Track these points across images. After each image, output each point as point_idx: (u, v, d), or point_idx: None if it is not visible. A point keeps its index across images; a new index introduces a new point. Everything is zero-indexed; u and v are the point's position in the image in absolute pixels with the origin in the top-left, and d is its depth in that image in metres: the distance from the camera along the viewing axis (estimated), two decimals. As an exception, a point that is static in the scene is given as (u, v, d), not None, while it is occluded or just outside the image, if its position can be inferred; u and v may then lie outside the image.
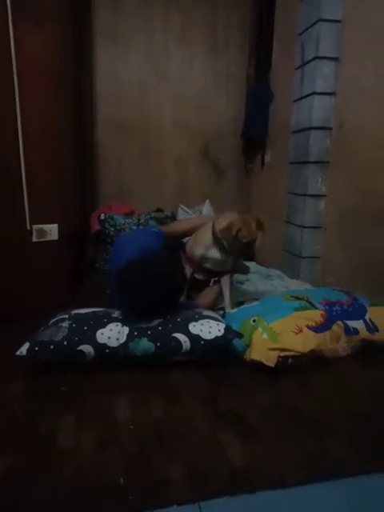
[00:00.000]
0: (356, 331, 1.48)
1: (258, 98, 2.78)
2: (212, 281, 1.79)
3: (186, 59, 2.92)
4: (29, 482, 0.87)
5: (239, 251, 1.66)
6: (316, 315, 1.47)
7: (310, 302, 1.55)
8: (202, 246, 1.69)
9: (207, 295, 1.76)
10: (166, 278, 1.45)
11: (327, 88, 2.09)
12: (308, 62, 2.15)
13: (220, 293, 1.78)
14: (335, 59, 2.07)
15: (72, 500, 0.82)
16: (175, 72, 2.92)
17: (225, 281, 1.77)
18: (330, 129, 2.12)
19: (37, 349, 1.29)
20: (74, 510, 0.81)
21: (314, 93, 2.09)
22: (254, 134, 2.84)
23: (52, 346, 1.29)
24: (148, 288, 1.39)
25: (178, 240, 1.79)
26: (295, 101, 2.30)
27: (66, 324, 1.36)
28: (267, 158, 2.82)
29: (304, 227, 2.23)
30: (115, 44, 2.80)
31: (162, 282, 1.42)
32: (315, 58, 2.07)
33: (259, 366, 1.32)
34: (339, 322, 1.48)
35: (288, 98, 2.38)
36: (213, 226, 1.68)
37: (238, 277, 2.14)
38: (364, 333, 1.50)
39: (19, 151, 1.63)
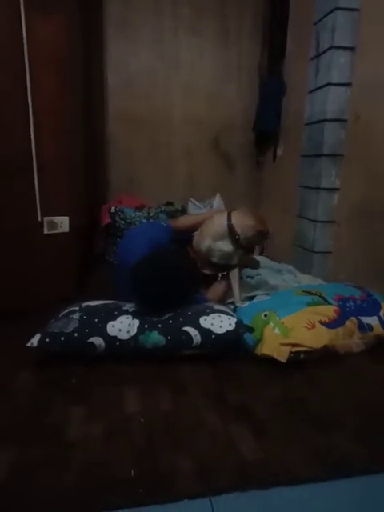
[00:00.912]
0: (370, 327, 1.46)
1: (271, 89, 2.73)
2: (220, 275, 1.77)
3: (196, 50, 2.87)
4: (37, 472, 0.87)
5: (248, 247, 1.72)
6: (329, 311, 1.45)
7: (322, 297, 1.52)
8: (209, 238, 1.67)
9: (216, 289, 1.75)
10: (178, 272, 1.44)
11: (343, 79, 2.04)
12: (323, 52, 2.09)
13: (229, 287, 1.76)
14: (351, 49, 2.01)
15: (81, 491, 0.82)
16: (186, 63, 2.88)
17: (233, 275, 1.75)
18: (345, 121, 2.07)
19: (48, 340, 1.29)
20: (83, 501, 0.80)
21: (329, 84, 2.04)
22: (266, 126, 2.79)
23: (63, 338, 1.29)
24: (159, 283, 1.38)
25: (186, 234, 1.78)
26: (309, 92, 2.25)
27: (76, 316, 1.36)
28: (279, 152, 2.78)
29: (317, 221, 2.19)
30: (125, 35, 2.76)
31: (173, 277, 1.41)
32: (331, 47, 2.02)
33: (270, 361, 1.30)
34: (353, 318, 1.45)
35: (302, 89, 2.33)
36: (229, 216, 1.67)
37: (249, 271, 2.11)
38: (378, 329, 1.47)
39: (30, 143, 1.63)
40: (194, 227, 1.79)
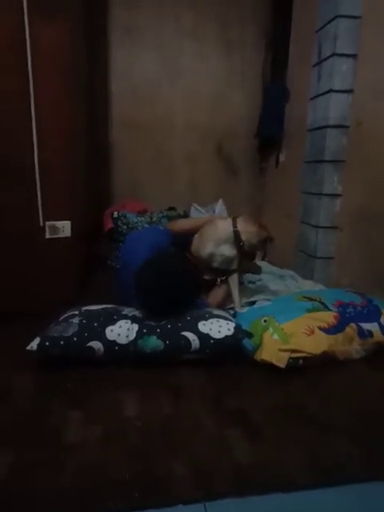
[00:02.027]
0: (370, 334, 1.45)
1: (274, 95, 2.75)
2: (219, 280, 1.77)
3: (199, 56, 2.90)
4: (34, 475, 0.87)
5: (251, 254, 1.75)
6: (328, 317, 1.44)
7: (322, 303, 1.52)
8: (212, 244, 1.68)
9: (216, 294, 1.75)
10: (182, 279, 1.44)
11: (345, 85, 2.05)
12: (325, 59, 2.11)
13: (229, 292, 1.76)
14: (353, 56, 2.02)
15: (77, 495, 0.82)
16: (189, 69, 2.91)
17: (233, 280, 1.76)
18: (347, 127, 2.08)
19: (47, 344, 1.30)
20: (79, 504, 0.80)
21: (331, 90, 2.05)
22: (269, 132, 2.81)
23: (62, 342, 1.30)
24: (163, 291, 1.39)
25: (185, 237, 1.79)
26: (312, 99, 2.26)
27: (76, 320, 1.37)
28: (282, 158, 2.79)
29: (319, 227, 2.19)
30: (129, 41, 2.80)
31: (177, 284, 1.42)
32: (333, 54, 2.03)
33: (269, 367, 1.30)
34: (352, 324, 1.44)
35: (304, 95, 2.34)
36: (234, 222, 1.69)
37: (250, 277, 2.11)
38: (379, 336, 1.46)
39: (33, 148, 1.65)
40: (192, 231, 1.80)
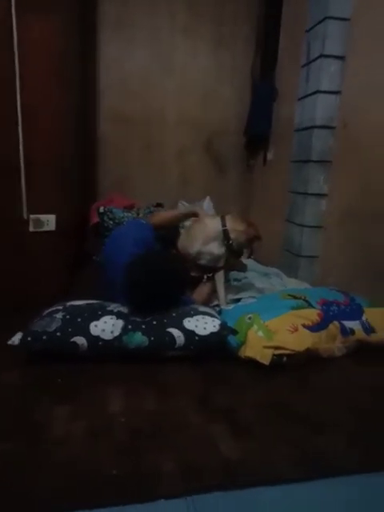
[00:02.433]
0: (352, 331, 1.47)
1: (262, 94, 2.76)
2: (205, 277, 1.78)
3: (191, 52, 2.88)
4: (19, 470, 0.87)
5: (238, 252, 1.77)
6: (312, 314, 1.46)
7: (306, 301, 1.54)
8: (200, 242, 1.68)
9: (202, 291, 1.75)
10: (172, 276, 1.44)
11: (332, 87, 2.07)
12: (314, 60, 2.12)
13: (214, 289, 1.77)
14: (341, 58, 2.05)
15: (62, 489, 0.82)
16: (180, 65, 2.88)
17: (219, 277, 1.77)
18: (334, 128, 2.10)
19: (29, 339, 1.28)
20: (64, 499, 0.80)
21: (318, 91, 2.07)
22: (257, 131, 2.82)
23: (45, 337, 1.28)
24: (153, 286, 1.38)
25: (167, 230, 1.79)
26: (299, 99, 2.28)
27: (59, 315, 1.36)
28: (270, 156, 2.80)
29: (304, 226, 2.22)
30: (120, 35, 2.76)
31: (167, 280, 1.41)
32: (321, 56, 2.05)
33: (255, 364, 1.31)
34: (336, 322, 1.47)
35: (293, 95, 2.36)
36: (223, 220, 1.70)
37: (236, 274, 2.13)
38: (360, 333, 1.49)
39: (18, 140, 1.62)
40: (173, 222, 1.80)
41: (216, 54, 2.92)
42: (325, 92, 2.07)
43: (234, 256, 1.79)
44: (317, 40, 2.10)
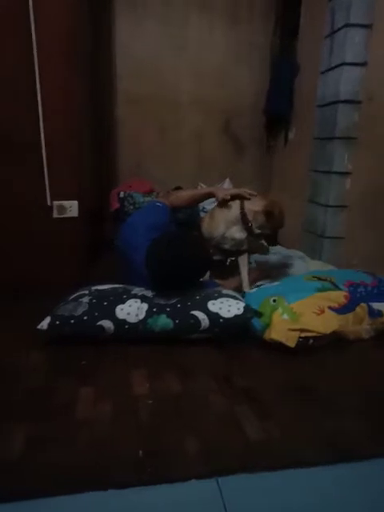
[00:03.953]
0: (380, 313, 1.44)
1: (283, 70, 2.65)
2: (228, 260, 1.77)
3: (205, 29, 2.79)
4: (46, 450, 0.89)
5: (264, 235, 1.72)
6: (339, 296, 1.44)
7: (333, 283, 1.51)
8: (222, 226, 1.67)
9: (230, 284, 1.74)
10: (192, 250, 1.45)
11: (358, 58, 1.97)
12: (338, 30, 2.02)
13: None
14: (367, 27, 1.94)
15: (89, 469, 0.84)
16: (195, 43, 2.79)
17: (242, 260, 1.75)
18: (359, 102, 2.01)
19: (58, 323, 1.31)
20: (91, 479, 0.81)
21: (343, 63, 1.97)
22: (277, 109, 2.73)
23: (72, 321, 1.30)
24: (174, 260, 1.39)
25: (186, 212, 1.77)
26: (322, 72, 2.18)
27: (86, 299, 1.38)
28: (291, 135, 2.72)
29: (328, 206, 2.15)
30: (133, 14, 2.69)
31: (188, 255, 1.42)
32: (346, 25, 1.95)
33: (278, 346, 1.30)
34: (363, 304, 1.43)
35: (315, 69, 2.26)
36: (242, 204, 1.66)
37: (257, 257, 2.10)
38: (389, 315, 1.45)
39: (39, 128, 1.62)
40: (191, 202, 1.78)
41: (232, 29, 2.81)
42: (350, 64, 1.97)
43: (256, 238, 1.75)
44: (341, 8, 1.99)
